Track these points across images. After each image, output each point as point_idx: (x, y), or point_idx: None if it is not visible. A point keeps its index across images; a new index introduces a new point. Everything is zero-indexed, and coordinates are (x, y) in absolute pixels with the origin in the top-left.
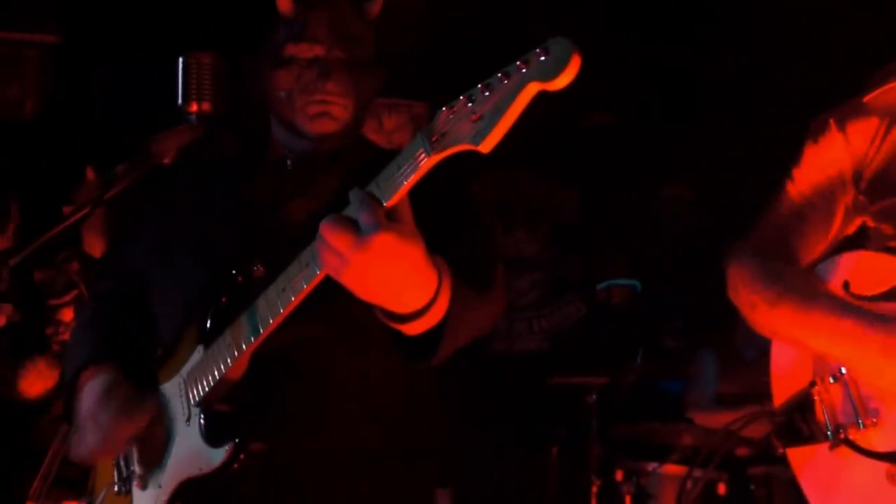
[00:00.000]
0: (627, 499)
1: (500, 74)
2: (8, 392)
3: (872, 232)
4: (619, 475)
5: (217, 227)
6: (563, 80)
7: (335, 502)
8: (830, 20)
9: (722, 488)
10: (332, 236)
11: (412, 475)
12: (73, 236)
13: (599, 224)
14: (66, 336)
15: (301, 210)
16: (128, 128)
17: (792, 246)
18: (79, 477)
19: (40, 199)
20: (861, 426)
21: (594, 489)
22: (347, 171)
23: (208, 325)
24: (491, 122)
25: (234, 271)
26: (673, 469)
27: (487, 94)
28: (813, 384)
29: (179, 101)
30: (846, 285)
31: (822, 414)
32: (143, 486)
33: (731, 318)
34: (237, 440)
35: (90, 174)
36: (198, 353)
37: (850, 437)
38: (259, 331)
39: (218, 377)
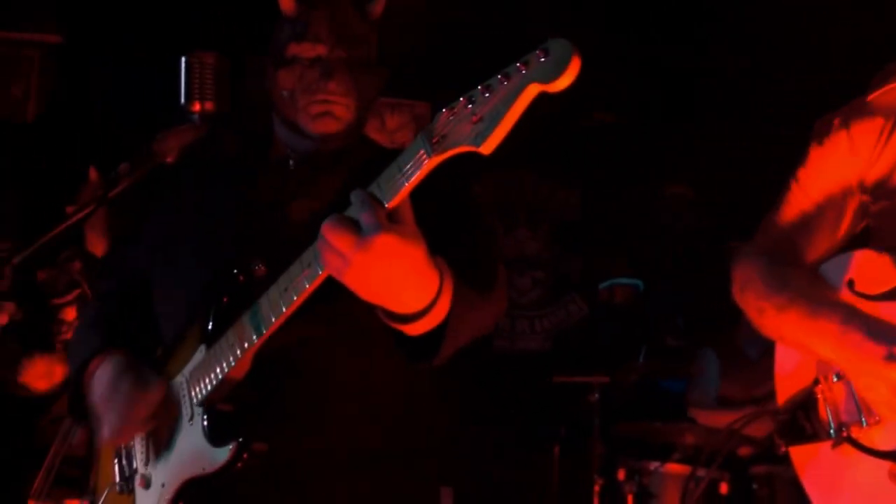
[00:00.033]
0: (629, 498)
1: (500, 76)
2: (11, 388)
3: (876, 231)
4: (621, 474)
5: (219, 227)
6: (563, 82)
7: (337, 502)
8: (830, 20)
9: (724, 488)
10: (333, 237)
11: (414, 475)
12: (76, 236)
13: (601, 223)
14: (69, 335)
15: (303, 210)
16: (130, 127)
17: (798, 247)
18: (80, 475)
19: (43, 198)
20: (864, 424)
21: (596, 488)
22: (350, 171)
23: (210, 324)
24: (491, 123)
25: (236, 271)
26: (675, 468)
27: (487, 95)
28: (816, 382)
29: (182, 100)
30: (851, 284)
31: (824, 412)
32: (146, 486)
33: (732, 317)
34: (240, 440)
35: (93, 174)
36: (200, 353)
37: (853, 435)
38: (261, 330)
39: (220, 377)
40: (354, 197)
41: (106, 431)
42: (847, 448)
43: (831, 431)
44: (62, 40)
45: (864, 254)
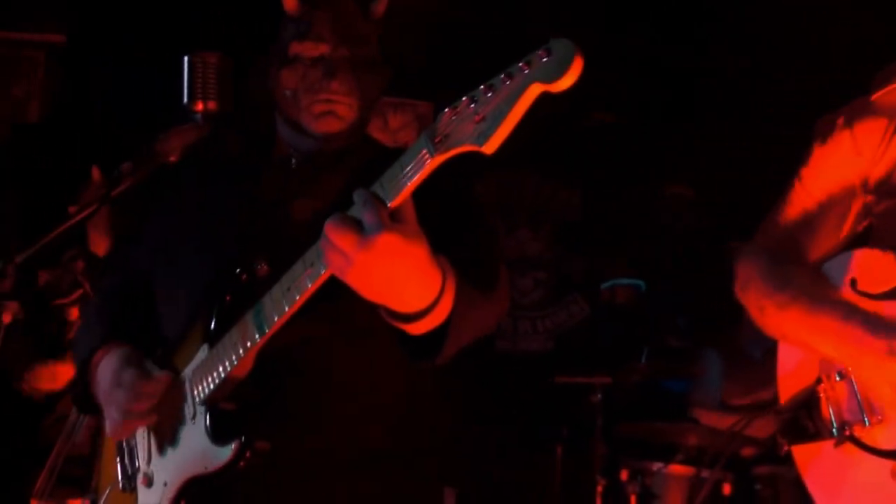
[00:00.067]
0: (632, 498)
1: (502, 75)
2: (17, 385)
3: (879, 230)
4: (623, 475)
5: (222, 226)
6: (565, 82)
7: (339, 501)
8: (830, 20)
9: (727, 488)
10: (336, 236)
11: (416, 475)
12: (79, 236)
13: (602, 224)
14: (73, 335)
15: (306, 209)
16: (133, 127)
17: (801, 246)
18: (83, 475)
19: (44, 198)
20: (866, 423)
21: (599, 489)
22: (352, 171)
23: (213, 323)
24: (494, 123)
25: (238, 270)
26: (678, 469)
27: (490, 95)
28: (819, 381)
29: (185, 100)
30: (853, 283)
31: (827, 411)
32: (149, 484)
33: (735, 317)
34: (243, 438)
35: (95, 174)
36: (202, 352)
37: (856, 434)
38: (264, 329)
39: (223, 376)
40: (357, 196)
41: (109, 424)
42: (850, 447)
43: (834, 430)
44: (65, 40)
45: (867, 253)
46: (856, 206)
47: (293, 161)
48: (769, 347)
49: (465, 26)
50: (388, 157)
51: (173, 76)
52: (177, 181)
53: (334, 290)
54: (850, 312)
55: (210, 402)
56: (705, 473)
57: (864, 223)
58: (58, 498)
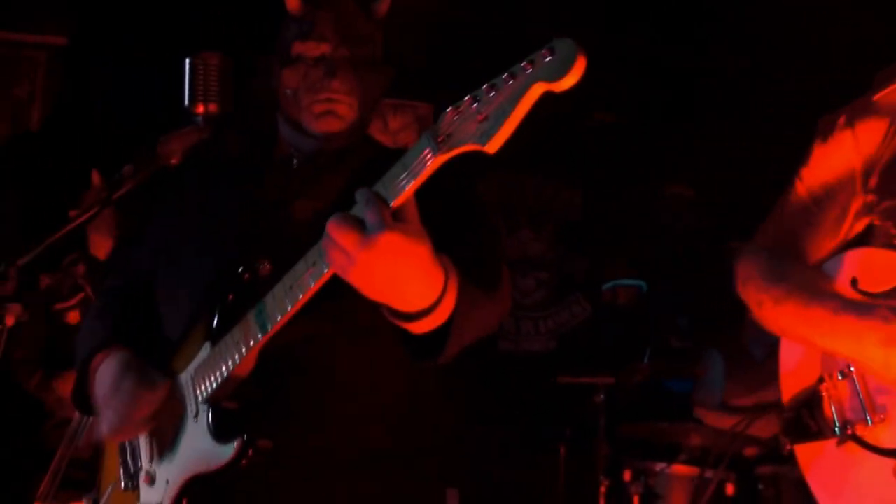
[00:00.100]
0: (635, 499)
1: (505, 75)
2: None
3: (880, 230)
4: (627, 475)
5: (223, 227)
6: (568, 81)
7: (342, 500)
8: (830, 20)
9: (730, 488)
10: (338, 234)
11: (419, 475)
12: (79, 240)
13: (603, 224)
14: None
15: (307, 209)
16: (134, 129)
17: (801, 244)
18: (86, 478)
19: (47, 199)
20: (869, 422)
21: (602, 489)
22: (354, 171)
23: (215, 322)
24: (497, 122)
25: (241, 269)
26: (681, 469)
27: (493, 94)
28: (821, 380)
29: (186, 102)
30: (854, 282)
31: (829, 410)
32: (151, 482)
33: (737, 316)
34: (245, 437)
35: (95, 177)
36: (205, 351)
37: (858, 433)
38: (267, 328)
39: (225, 374)
40: (359, 195)
41: (105, 428)
42: (852, 446)
43: (836, 429)
44: (66, 42)
45: (869, 252)
46: (855, 205)
47: (295, 161)
48: (772, 348)
49: (466, 27)
50: (390, 158)
51: (174, 78)
52: (178, 183)
53: (336, 289)
54: (845, 304)
55: (212, 401)
56: (708, 473)
57: (865, 222)
58: (61, 501)
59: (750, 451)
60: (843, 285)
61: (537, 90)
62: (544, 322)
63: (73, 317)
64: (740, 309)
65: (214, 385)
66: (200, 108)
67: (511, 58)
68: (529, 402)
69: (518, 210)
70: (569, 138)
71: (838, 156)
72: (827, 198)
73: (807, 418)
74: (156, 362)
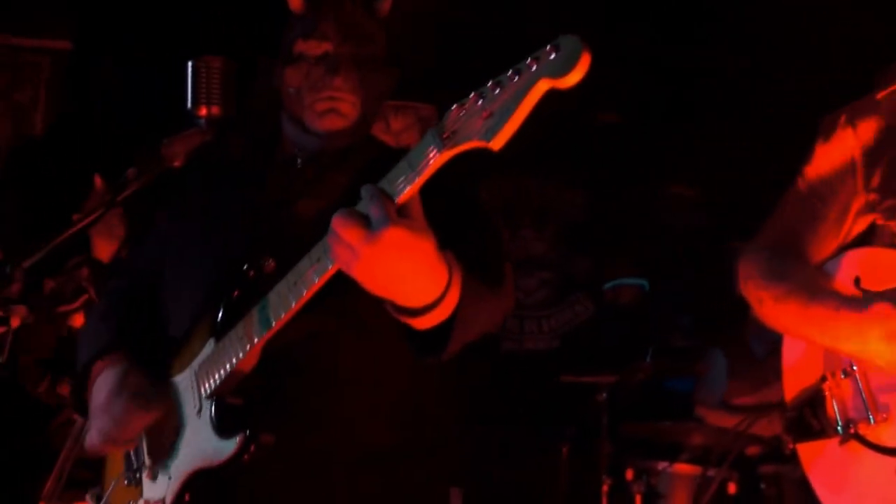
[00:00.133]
0: (638, 498)
1: (510, 72)
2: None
3: (882, 228)
4: (629, 474)
5: (228, 227)
6: (573, 77)
7: (345, 496)
8: (830, 20)
9: (732, 487)
10: (343, 229)
11: (423, 473)
12: (83, 243)
13: (606, 224)
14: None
15: (311, 208)
16: (137, 132)
17: (803, 243)
18: (91, 478)
19: (51, 203)
20: (871, 421)
21: (604, 488)
22: (357, 170)
23: (220, 318)
24: (501, 119)
25: (245, 267)
26: (683, 468)
27: (498, 91)
28: (824, 379)
29: (188, 105)
30: (857, 281)
31: (832, 409)
32: (153, 477)
33: (739, 315)
34: (247, 432)
35: (98, 182)
36: (209, 346)
37: (860, 432)
38: (271, 324)
39: (229, 370)
40: (364, 191)
41: (95, 439)
42: (854, 445)
43: (839, 428)
44: (72, 47)
45: (872, 251)
46: (857, 203)
47: (298, 160)
48: (774, 346)
49: (467, 27)
50: (393, 157)
51: (177, 80)
52: (182, 186)
53: (340, 285)
54: (844, 302)
55: (216, 397)
56: (711, 472)
57: (868, 221)
58: (66, 501)
59: (752, 450)
60: (844, 284)
61: (542, 87)
62: (547, 321)
63: (78, 319)
64: (742, 308)
65: (218, 381)
66: (203, 111)
67: (513, 59)
68: (532, 400)
69: (521, 210)
70: (571, 139)
71: (840, 154)
72: (828, 196)
73: (809, 417)
74: (159, 363)
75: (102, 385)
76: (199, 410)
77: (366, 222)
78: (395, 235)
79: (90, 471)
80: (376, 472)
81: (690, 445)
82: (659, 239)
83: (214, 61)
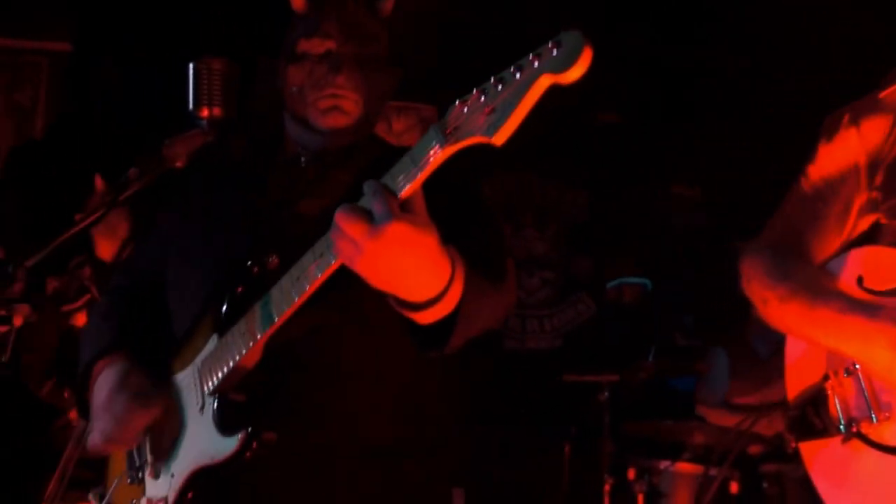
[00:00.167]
0: (640, 497)
1: (512, 68)
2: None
3: (885, 227)
4: (631, 473)
5: (231, 227)
6: (575, 73)
7: (347, 494)
8: (830, 20)
9: (734, 486)
10: (346, 224)
11: (425, 471)
12: (85, 243)
13: (608, 223)
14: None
15: (314, 206)
16: (138, 133)
17: (806, 242)
18: (94, 477)
19: (52, 204)
20: (874, 420)
21: (606, 487)
22: (360, 168)
23: (223, 315)
24: (504, 114)
25: (249, 263)
26: (685, 467)
27: (500, 87)
28: (826, 378)
29: (190, 106)
30: (860, 280)
31: (834, 408)
32: (156, 475)
33: (741, 315)
34: (250, 429)
35: (98, 183)
36: (212, 343)
37: (863, 431)
38: (273, 319)
39: (232, 366)
40: (367, 187)
41: (97, 438)
42: (857, 443)
43: (841, 427)
44: (72, 48)
45: (874, 250)
46: (859, 201)
47: (302, 159)
48: (777, 346)
49: (469, 28)
50: (396, 156)
51: (176, 81)
52: (184, 186)
53: (343, 280)
54: (851, 303)
55: (218, 393)
56: (713, 471)
57: (871, 220)
58: (69, 502)
59: (754, 449)
60: (847, 283)
61: (544, 82)
62: (549, 321)
63: (80, 318)
64: (745, 307)
65: (221, 377)
66: (205, 112)
67: (515, 60)
68: (534, 400)
69: (523, 210)
70: (572, 139)
71: (843, 153)
72: (831, 195)
73: (812, 416)
74: (161, 362)
75: (103, 384)
76: (202, 407)
77: (369, 217)
78: (397, 230)
79: (92, 471)
80: (378, 469)
81: (692, 444)
82: (660, 239)
83: (216, 63)
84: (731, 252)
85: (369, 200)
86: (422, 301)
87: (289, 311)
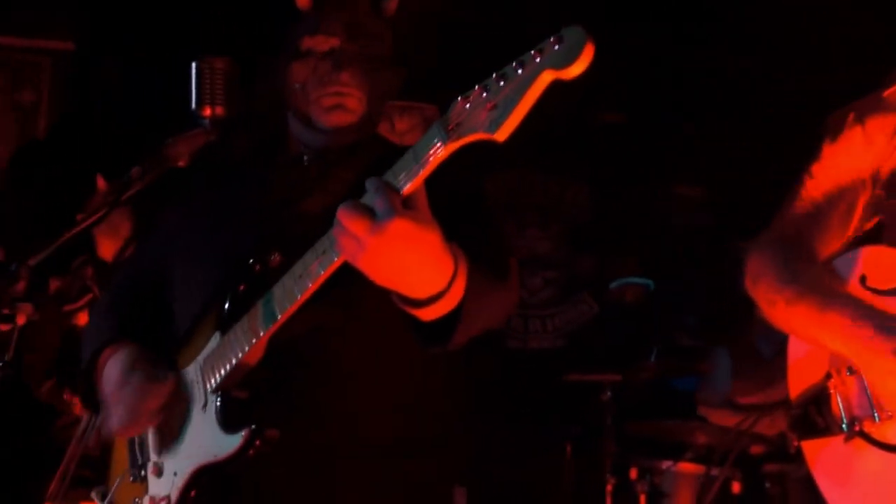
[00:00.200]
0: (642, 497)
1: (514, 64)
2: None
3: (890, 227)
4: (633, 473)
5: (234, 226)
6: (576, 69)
7: (349, 492)
8: (830, 20)
9: (736, 486)
10: (349, 221)
11: (427, 470)
12: (87, 243)
13: (610, 223)
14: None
15: (317, 205)
16: (140, 132)
17: (810, 242)
18: (96, 477)
19: (54, 203)
20: (876, 419)
21: (609, 487)
22: (363, 167)
23: (226, 312)
24: (506, 110)
25: (251, 261)
26: (687, 467)
27: (502, 83)
28: (829, 376)
29: (192, 105)
30: (863, 279)
31: (837, 406)
32: (159, 474)
33: (745, 315)
34: (253, 426)
35: (100, 182)
36: (215, 340)
37: (866, 429)
38: (276, 317)
39: (235, 363)
40: (370, 184)
41: (115, 423)
42: (859, 442)
43: (844, 426)
44: (75, 47)
45: (877, 249)
46: (863, 200)
47: (305, 158)
48: (780, 346)
49: (470, 28)
50: (399, 154)
51: (179, 81)
52: (187, 185)
53: (346, 277)
54: (861, 310)
55: (221, 391)
56: (715, 471)
57: (875, 219)
58: (71, 500)
59: (756, 449)
60: (853, 282)
61: (546, 78)
62: (552, 320)
63: (82, 318)
64: (748, 307)
65: (223, 374)
66: (207, 112)
67: (514, 58)
68: (536, 399)
69: (526, 209)
70: (575, 139)
71: (848, 152)
72: (837, 195)
73: (814, 414)
74: (163, 358)
75: (113, 369)
76: (205, 405)
77: (371, 214)
78: (400, 226)
79: (95, 470)
80: (380, 467)
81: (695, 444)
82: (663, 239)
83: (218, 62)
84: (733, 252)
85: (372, 197)
86: (424, 297)
87: (291, 309)
